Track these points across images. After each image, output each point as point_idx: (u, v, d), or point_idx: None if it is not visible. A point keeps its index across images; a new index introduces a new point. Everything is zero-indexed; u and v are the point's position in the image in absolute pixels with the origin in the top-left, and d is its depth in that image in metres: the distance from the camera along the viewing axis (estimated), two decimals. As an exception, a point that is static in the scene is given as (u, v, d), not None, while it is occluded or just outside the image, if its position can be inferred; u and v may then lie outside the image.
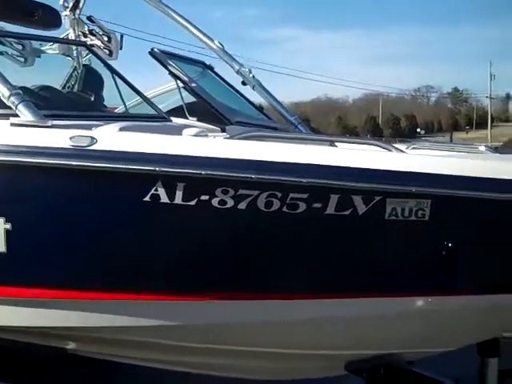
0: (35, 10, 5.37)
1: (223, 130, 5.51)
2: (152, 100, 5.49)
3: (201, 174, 3.40)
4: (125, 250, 3.71)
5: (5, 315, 4.06)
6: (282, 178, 3.37)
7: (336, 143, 4.25)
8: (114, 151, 3.58)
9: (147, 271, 3.72)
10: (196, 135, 3.56)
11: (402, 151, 3.57)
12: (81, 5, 6.71)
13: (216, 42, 6.64)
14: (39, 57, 6.32)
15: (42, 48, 6.37)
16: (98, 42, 6.62)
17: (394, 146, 3.58)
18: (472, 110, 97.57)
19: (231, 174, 3.39)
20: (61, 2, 6.56)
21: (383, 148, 3.57)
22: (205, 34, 6.65)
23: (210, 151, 3.49)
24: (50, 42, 5.93)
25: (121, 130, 4.06)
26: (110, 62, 5.97)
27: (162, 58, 5.89)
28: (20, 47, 5.97)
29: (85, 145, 3.64)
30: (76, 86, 6.90)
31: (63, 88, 6.86)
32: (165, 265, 3.71)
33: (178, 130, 4.20)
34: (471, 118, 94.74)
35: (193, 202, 3.51)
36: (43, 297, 3.87)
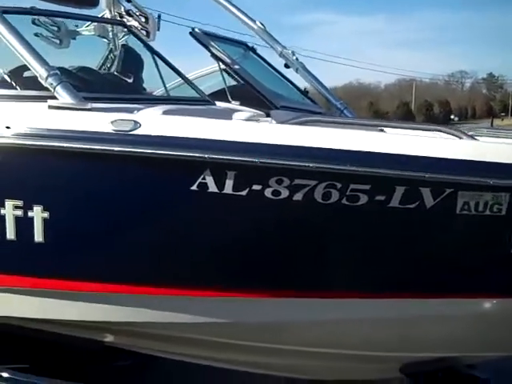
0: None
1: (268, 115, 5.23)
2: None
3: (255, 162, 3.13)
4: (169, 241, 3.47)
5: (49, 308, 3.85)
6: (343, 168, 3.08)
7: (395, 129, 3.93)
8: (159, 136, 3.33)
9: (194, 265, 3.47)
10: (247, 120, 3.29)
11: (474, 138, 3.25)
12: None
13: (257, 22, 6.33)
14: (74, 38, 6.12)
15: (78, 29, 6.16)
16: (135, 23, 6.38)
17: (464, 133, 3.26)
18: (507, 96, 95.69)
19: (288, 163, 3.11)
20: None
21: (453, 135, 3.25)
22: (245, 15, 6.34)
23: (264, 137, 3.21)
24: (87, 20, 5.68)
25: (164, 113, 3.80)
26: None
27: (204, 38, 5.61)
28: (55, 28, 5.77)
29: (127, 129, 3.40)
30: (113, 68, 6.74)
31: (99, 70, 6.67)
32: (212, 258, 3.46)
33: (224, 114, 3.94)
34: (506, 105, 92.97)
35: (244, 192, 3.24)
36: (83, 290, 3.65)
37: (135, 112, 3.78)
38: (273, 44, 6.28)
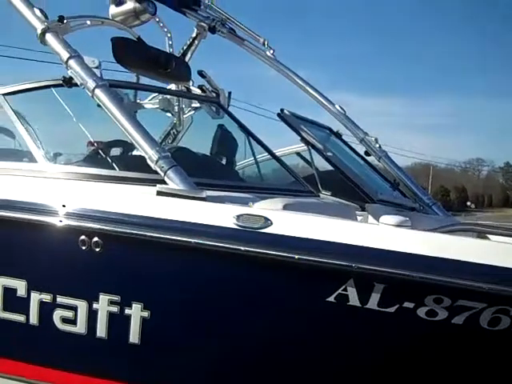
0: (169, 62, 4.83)
1: (363, 209, 4.84)
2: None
3: (412, 276, 2.70)
4: (293, 354, 3.02)
5: None
6: None
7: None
8: (296, 238, 2.92)
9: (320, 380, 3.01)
10: (398, 225, 2.89)
11: None
12: (187, 58, 6.24)
13: (337, 106, 6.05)
14: (136, 112, 5.85)
15: (141, 102, 5.89)
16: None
17: None
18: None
19: (452, 281, 2.68)
20: (168, 54, 6.12)
21: None
22: (324, 97, 6.07)
23: (421, 248, 2.79)
24: (179, 96, 5.40)
25: (285, 207, 3.40)
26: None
27: (293, 121, 5.29)
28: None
29: (257, 226, 2.99)
30: (175, 143, 6.42)
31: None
32: (340, 377, 3.00)
33: (347, 212, 3.55)
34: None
35: (391, 309, 2.81)
36: None
37: (250, 203, 3.40)
38: (353, 129, 5.96)
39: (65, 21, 3.84)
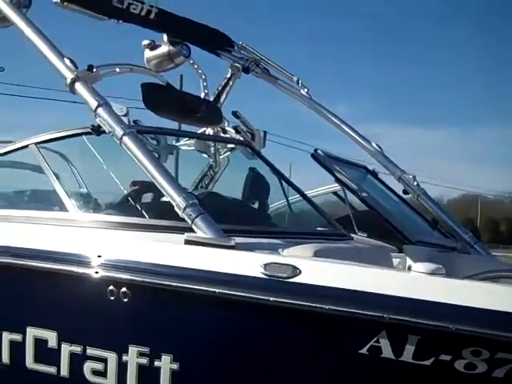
0: (199, 106, 4.82)
1: (400, 250, 4.70)
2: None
3: (448, 327, 2.57)
4: None
5: None
6: None
7: None
8: (326, 287, 2.82)
9: None
10: (432, 273, 2.76)
11: None
12: (222, 99, 6.24)
13: (374, 144, 5.96)
14: (172, 153, 5.86)
15: (177, 144, 5.90)
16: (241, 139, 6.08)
17: None
18: None
19: (492, 333, 2.54)
20: (202, 95, 6.14)
21: None
22: (361, 136, 6.00)
23: (456, 298, 2.65)
24: (211, 140, 5.38)
25: (316, 254, 3.31)
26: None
27: (327, 161, 5.20)
28: (154, 142, 5.52)
29: (285, 276, 2.91)
30: (211, 186, 6.39)
31: (196, 187, 6.33)
32: None
33: (380, 257, 3.44)
34: None
35: (427, 362, 2.68)
36: None
37: (280, 250, 3.32)
38: (390, 167, 5.85)
39: (94, 69, 3.87)
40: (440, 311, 2.63)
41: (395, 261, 4.41)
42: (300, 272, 2.89)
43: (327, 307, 2.76)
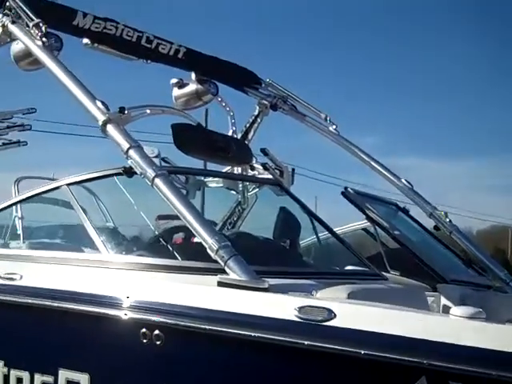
0: (229, 146, 4.83)
1: (434, 289, 4.62)
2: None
3: (491, 375, 2.49)
4: None
5: None
6: None
7: None
8: (362, 331, 2.76)
9: None
10: (471, 317, 2.70)
11: None
12: (250, 136, 6.25)
13: (403, 180, 5.91)
14: (199, 189, 5.86)
15: (206, 180, 5.90)
16: (269, 176, 6.07)
17: None
18: None
19: None
20: (230, 133, 6.16)
21: None
22: (390, 172, 5.96)
23: (497, 343, 2.57)
24: (241, 180, 5.38)
25: (350, 296, 3.26)
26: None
27: (357, 199, 5.16)
28: (183, 179, 5.53)
29: (320, 319, 2.86)
30: (239, 222, 6.37)
31: (224, 224, 6.31)
32: None
33: (415, 299, 3.37)
34: None
35: None
36: None
37: (313, 292, 3.28)
38: (421, 203, 5.79)
39: (125, 111, 3.90)
40: (480, 357, 2.56)
41: (429, 300, 4.33)
42: (335, 315, 2.84)
43: (363, 352, 2.70)
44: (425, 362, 2.60)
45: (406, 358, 2.64)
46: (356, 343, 2.74)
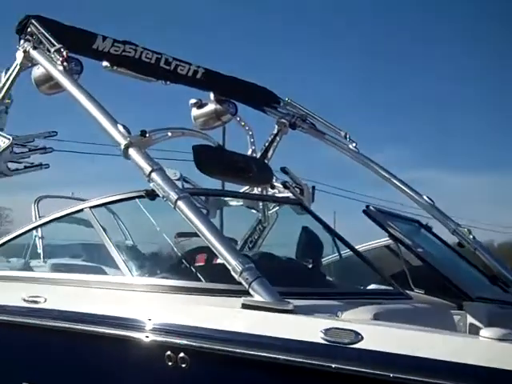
0: (250, 166, 4.84)
1: (459, 307, 4.55)
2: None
3: None
4: None
5: None
6: None
7: None
8: (390, 354, 2.72)
9: None
10: (503, 339, 2.65)
11: None
12: (269, 154, 6.25)
13: (425, 197, 5.86)
14: (219, 209, 5.85)
15: (226, 199, 5.91)
16: (289, 195, 6.06)
17: None
18: None
19: None
20: (249, 152, 6.16)
21: None
22: (411, 189, 5.93)
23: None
24: (264, 201, 5.37)
25: (376, 316, 3.22)
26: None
27: (379, 217, 5.11)
28: (203, 198, 5.54)
29: (346, 342, 2.83)
30: (260, 241, 6.35)
31: (245, 242, 6.30)
32: None
33: (443, 319, 3.33)
34: None
35: None
36: None
37: (338, 313, 3.24)
38: (443, 220, 5.74)
39: (147, 135, 3.91)
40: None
41: (455, 318, 4.28)
42: (362, 338, 2.81)
43: (392, 375, 2.66)
44: None
45: (435, 381, 2.60)
46: (384, 366, 2.70)
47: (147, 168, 3.68)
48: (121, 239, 5.50)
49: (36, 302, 3.94)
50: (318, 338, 2.89)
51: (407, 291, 4.52)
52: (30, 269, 4.87)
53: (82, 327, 3.61)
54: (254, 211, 6.27)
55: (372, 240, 5.83)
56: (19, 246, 5.10)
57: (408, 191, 5.83)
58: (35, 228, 4.74)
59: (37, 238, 4.93)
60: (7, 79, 4.98)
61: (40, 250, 4.92)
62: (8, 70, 4.98)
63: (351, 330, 2.85)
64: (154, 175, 3.65)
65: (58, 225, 4.88)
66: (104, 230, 4.16)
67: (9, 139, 4.86)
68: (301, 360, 2.88)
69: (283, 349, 2.94)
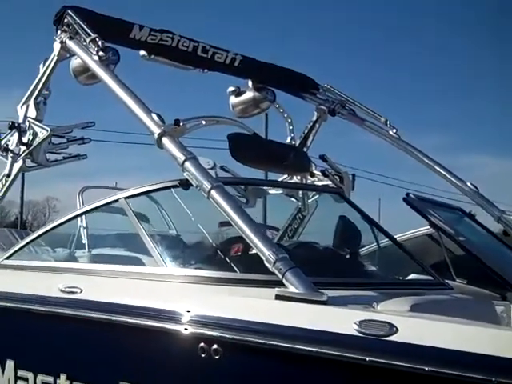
0: (286, 155, 4.77)
1: (503, 298, 4.42)
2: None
3: None
4: None
5: None
6: None
7: None
8: (426, 347, 2.64)
9: None
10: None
11: None
12: (309, 142, 6.17)
13: (469, 184, 5.72)
14: (260, 197, 5.81)
15: (265, 188, 5.85)
16: (329, 183, 5.97)
17: None
18: None
19: None
20: (288, 140, 6.10)
21: None
22: (455, 176, 5.79)
23: None
24: (303, 189, 5.31)
25: (413, 308, 3.14)
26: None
27: (420, 205, 4.98)
28: (242, 187, 5.49)
29: (381, 334, 2.75)
30: (300, 229, 6.28)
31: (285, 231, 6.24)
32: None
33: (485, 308, 3.21)
34: None
35: None
36: None
37: (374, 304, 3.17)
38: (488, 208, 5.59)
39: (181, 123, 3.88)
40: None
41: (498, 309, 4.16)
42: (397, 330, 2.73)
43: (427, 369, 2.58)
44: (494, 379, 2.46)
45: (474, 376, 2.51)
46: (420, 359, 2.63)
47: (181, 157, 3.65)
48: (162, 226, 5.51)
49: (72, 293, 3.96)
50: (351, 329, 2.83)
51: (449, 281, 4.41)
52: (74, 259, 4.89)
53: (117, 318, 3.60)
54: (294, 200, 6.22)
55: (418, 227, 5.73)
56: (65, 236, 5.14)
57: (451, 178, 5.71)
58: (73, 218, 4.75)
59: (81, 228, 4.97)
60: (45, 70, 5.01)
61: (85, 241, 4.95)
62: (46, 60, 5.01)
63: (386, 322, 2.78)
64: (187, 164, 3.62)
65: (100, 214, 4.91)
66: (141, 218, 4.15)
67: (47, 130, 4.88)
68: (334, 352, 2.82)
69: (316, 341, 2.89)
